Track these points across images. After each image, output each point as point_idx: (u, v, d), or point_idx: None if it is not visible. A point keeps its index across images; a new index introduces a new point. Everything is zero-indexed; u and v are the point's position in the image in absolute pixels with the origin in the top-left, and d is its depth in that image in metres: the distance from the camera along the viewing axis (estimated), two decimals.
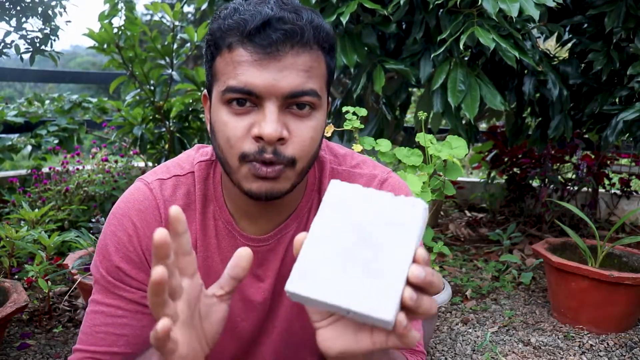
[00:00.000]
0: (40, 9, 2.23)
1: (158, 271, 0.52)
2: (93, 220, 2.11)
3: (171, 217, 0.55)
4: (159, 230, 0.52)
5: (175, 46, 2.84)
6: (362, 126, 1.67)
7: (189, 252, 0.59)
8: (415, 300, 0.53)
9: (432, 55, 2.02)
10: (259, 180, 0.73)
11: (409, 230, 0.56)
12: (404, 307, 0.54)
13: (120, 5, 2.62)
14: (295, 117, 0.72)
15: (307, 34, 0.70)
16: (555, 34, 2.52)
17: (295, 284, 0.54)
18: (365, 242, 0.56)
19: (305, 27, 0.70)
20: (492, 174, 3.45)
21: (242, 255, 0.62)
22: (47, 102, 3.33)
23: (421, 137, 1.63)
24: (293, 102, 0.71)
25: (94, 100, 3.33)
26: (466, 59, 2.20)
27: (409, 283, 0.54)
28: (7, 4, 2.14)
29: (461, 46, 1.81)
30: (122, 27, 2.66)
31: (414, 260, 0.55)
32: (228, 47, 0.71)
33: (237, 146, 0.72)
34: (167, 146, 3.01)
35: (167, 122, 2.95)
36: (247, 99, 0.71)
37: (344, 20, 1.88)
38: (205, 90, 0.82)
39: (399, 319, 0.53)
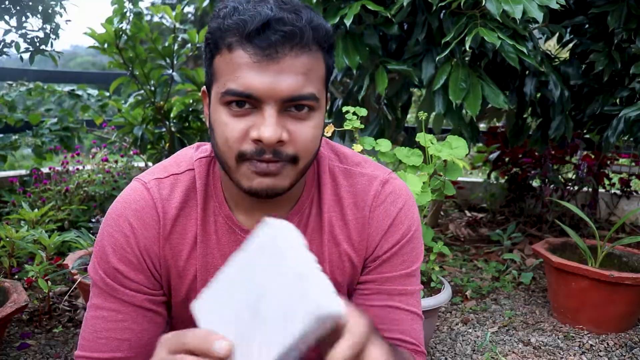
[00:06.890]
0: (40, 8, 2.23)
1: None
2: (93, 220, 2.12)
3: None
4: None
5: (175, 47, 2.84)
6: (362, 126, 1.67)
7: None
8: None
9: (436, 58, 2.02)
10: (259, 176, 0.73)
11: (282, 252, 0.58)
12: None
13: (129, 14, 2.63)
14: (294, 119, 0.72)
15: (307, 35, 0.70)
16: (557, 35, 2.52)
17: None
18: (264, 296, 0.57)
19: (304, 29, 0.70)
20: (493, 174, 3.45)
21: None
22: (47, 95, 3.31)
23: (421, 137, 1.63)
24: (291, 105, 0.72)
25: (95, 93, 3.31)
26: (467, 59, 2.20)
27: None
28: (7, 3, 2.14)
29: (467, 47, 1.81)
30: (124, 29, 2.66)
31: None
32: (228, 47, 0.71)
33: (235, 147, 0.72)
34: (167, 146, 3.01)
35: (168, 123, 2.95)
36: (246, 101, 0.71)
37: (348, 22, 1.87)
38: (204, 87, 0.82)
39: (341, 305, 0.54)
